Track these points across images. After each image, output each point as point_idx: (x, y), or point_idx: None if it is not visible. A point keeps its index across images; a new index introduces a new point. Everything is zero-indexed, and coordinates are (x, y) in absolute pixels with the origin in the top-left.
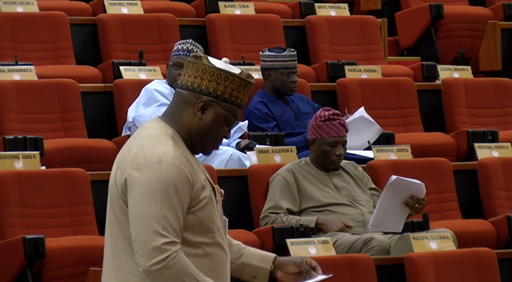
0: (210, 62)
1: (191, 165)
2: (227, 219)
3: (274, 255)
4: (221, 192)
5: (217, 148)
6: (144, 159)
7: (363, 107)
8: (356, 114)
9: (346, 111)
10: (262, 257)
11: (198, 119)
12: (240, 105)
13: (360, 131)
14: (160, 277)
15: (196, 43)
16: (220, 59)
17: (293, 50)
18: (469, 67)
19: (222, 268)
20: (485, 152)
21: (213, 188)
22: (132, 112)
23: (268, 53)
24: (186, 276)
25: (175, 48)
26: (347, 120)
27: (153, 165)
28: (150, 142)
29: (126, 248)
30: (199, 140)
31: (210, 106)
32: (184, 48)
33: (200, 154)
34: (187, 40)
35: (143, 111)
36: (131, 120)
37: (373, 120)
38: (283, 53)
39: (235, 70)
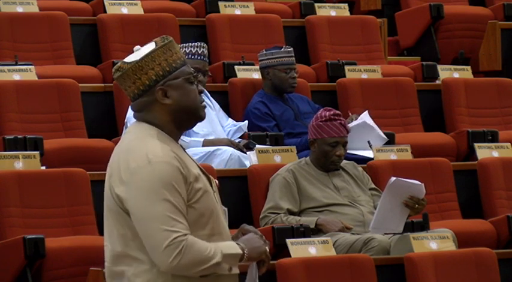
0: (132, 60)
1: (182, 159)
2: (226, 209)
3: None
4: (215, 182)
5: (203, 105)
6: (135, 162)
7: (366, 111)
8: (359, 120)
9: (350, 113)
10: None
11: (168, 104)
12: (184, 62)
13: (363, 135)
14: (182, 268)
15: (202, 43)
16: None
17: (289, 47)
18: (469, 67)
19: None
20: (485, 152)
21: (209, 179)
22: (129, 111)
23: (265, 52)
24: (202, 255)
25: (186, 50)
26: (350, 125)
27: (145, 167)
28: (136, 146)
29: (125, 253)
30: (183, 116)
31: (167, 87)
32: (200, 52)
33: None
34: (196, 43)
35: None
36: (126, 120)
37: (377, 128)
38: (280, 50)
39: (152, 45)
